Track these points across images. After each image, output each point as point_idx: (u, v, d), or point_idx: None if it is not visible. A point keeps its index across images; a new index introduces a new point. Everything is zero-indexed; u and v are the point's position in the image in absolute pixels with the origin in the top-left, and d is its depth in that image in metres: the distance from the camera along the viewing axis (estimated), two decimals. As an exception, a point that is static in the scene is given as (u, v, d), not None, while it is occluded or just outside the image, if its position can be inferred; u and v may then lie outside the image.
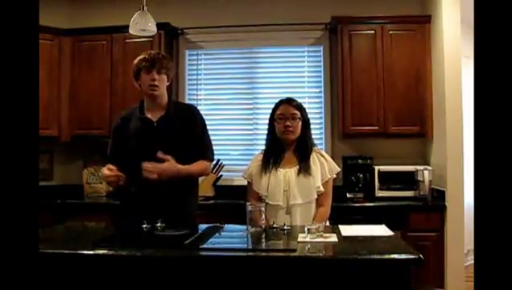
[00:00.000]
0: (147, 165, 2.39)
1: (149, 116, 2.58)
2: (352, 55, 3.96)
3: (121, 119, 2.66)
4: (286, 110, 2.57)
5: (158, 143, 2.51)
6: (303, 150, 2.58)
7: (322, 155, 2.63)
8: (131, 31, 2.94)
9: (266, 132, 2.72)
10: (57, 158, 4.51)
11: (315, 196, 2.52)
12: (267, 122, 2.71)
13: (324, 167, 2.57)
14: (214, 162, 4.08)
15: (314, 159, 2.57)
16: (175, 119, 2.57)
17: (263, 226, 2.20)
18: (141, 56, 2.58)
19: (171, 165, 2.43)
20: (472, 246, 4.00)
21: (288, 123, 2.54)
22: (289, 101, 2.62)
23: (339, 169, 2.67)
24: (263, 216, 2.21)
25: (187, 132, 2.57)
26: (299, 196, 2.48)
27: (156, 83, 2.52)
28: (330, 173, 2.58)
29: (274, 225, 2.28)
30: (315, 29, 4.28)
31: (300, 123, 2.58)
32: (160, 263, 1.84)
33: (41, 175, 4.18)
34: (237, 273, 1.81)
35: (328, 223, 2.57)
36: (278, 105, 2.63)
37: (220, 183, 4.14)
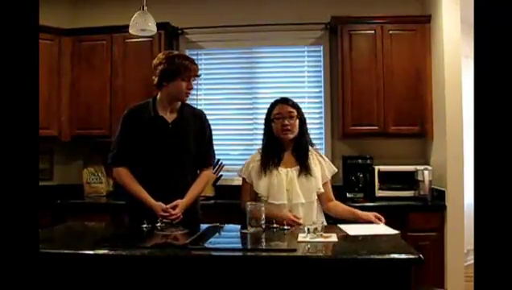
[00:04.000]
0: (165, 220, 2.42)
1: (163, 116, 2.58)
2: (352, 55, 3.96)
3: (130, 114, 2.61)
4: (283, 109, 2.57)
5: (171, 144, 2.54)
6: (301, 149, 2.58)
7: (320, 156, 2.65)
8: (131, 30, 2.94)
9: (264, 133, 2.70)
10: (57, 158, 4.50)
11: (316, 197, 2.54)
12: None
13: (324, 168, 2.59)
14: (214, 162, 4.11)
15: (314, 160, 2.58)
16: (188, 122, 2.60)
17: (263, 226, 2.20)
18: (178, 61, 2.53)
19: (182, 208, 2.48)
20: (472, 246, 4.00)
21: (286, 122, 2.53)
22: (285, 101, 2.61)
23: (336, 170, 2.68)
24: (263, 216, 2.21)
25: (198, 136, 2.62)
26: (301, 196, 2.49)
27: (191, 91, 2.60)
28: (329, 174, 2.61)
29: (274, 225, 2.28)
30: (315, 29, 4.28)
31: (298, 122, 2.57)
32: (160, 262, 1.84)
33: (41, 175, 4.18)
34: (237, 273, 1.81)
35: (325, 223, 2.56)
36: (274, 105, 2.62)
37: (220, 183, 4.14)
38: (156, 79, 2.56)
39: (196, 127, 2.63)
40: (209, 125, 2.72)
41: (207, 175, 2.70)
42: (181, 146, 2.56)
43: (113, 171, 2.64)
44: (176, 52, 2.67)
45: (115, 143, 2.61)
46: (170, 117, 2.58)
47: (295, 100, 2.67)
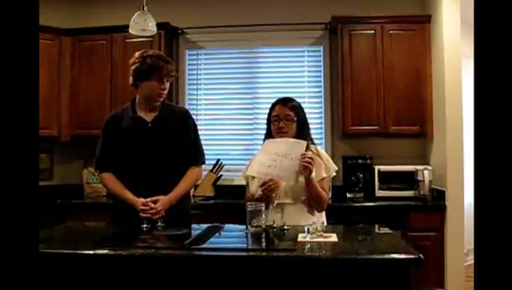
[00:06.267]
0: (144, 215, 2.39)
1: (142, 116, 2.57)
2: (352, 55, 3.96)
3: (112, 118, 2.63)
4: (281, 111, 2.55)
5: (152, 144, 2.52)
6: None
7: (318, 155, 2.56)
8: (131, 30, 2.95)
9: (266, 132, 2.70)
10: (57, 158, 4.51)
11: (304, 198, 2.49)
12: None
13: (320, 166, 2.53)
14: (214, 162, 4.11)
15: None
16: (169, 120, 2.58)
17: (263, 226, 2.20)
18: (150, 61, 2.50)
19: (163, 203, 2.45)
20: (472, 246, 4.00)
21: (282, 124, 2.51)
22: (285, 102, 2.58)
23: (336, 168, 2.61)
24: (263, 215, 2.21)
25: (181, 134, 2.59)
26: (288, 196, 2.47)
27: (165, 92, 2.55)
28: (327, 172, 2.53)
29: (274, 225, 2.28)
30: (315, 29, 4.28)
31: (295, 124, 2.55)
32: (160, 263, 1.84)
33: (41, 175, 4.18)
34: (237, 273, 1.81)
35: (326, 223, 2.55)
36: (274, 105, 2.59)
37: (220, 183, 4.14)
38: (131, 78, 2.55)
39: (178, 126, 2.59)
40: (194, 123, 2.68)
41: (194, 172, 2.63)
42: (162, 145, 2.53)
43: (99, 176, 2.67)
44: (152, 52, 2.62)
45: (98, 150, 2.61)
46: (149, 117, 2.56)
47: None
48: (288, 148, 2.41)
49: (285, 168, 2.39)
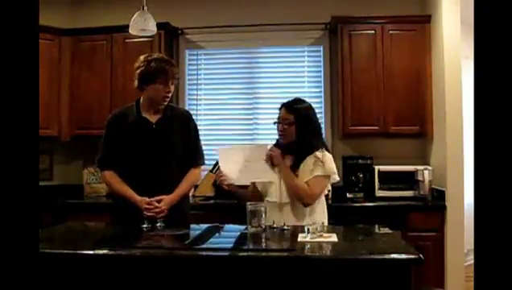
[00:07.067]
0: (148, 214, 2.43)
1: (146, 117, 2.59)
2: (352, 55, 3.96)
3: (115, 117, 2.65)
4: (282, 115, 2.58)
5: (155, 145, 2.55)
6: (297, 152, 2.54)
7: (321, 161, 2.50)
8: (131, 31, 2.94)
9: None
10: (57, 158, 4.51)
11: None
12: (267, 122, 2.71)
13: (317, 165, 2.48)
14: (214, 162, 4.11)
15: (307, 162, 2.51)
16: (172, 123, 2.61)
17: (263, 226, 2.20)
18: (155, 64, 2.53)
19: (166, 202, 2.49)
20: (472, 246, 4.00)
21: (280, 128, 2.56)
22: (287, 105, 2.59)
23: (335, 171, 2.55)
24: (263, 215, 2.21)
25: (183, 136, 2.63)
26: (286, 196, 2.49)
27: (170, 94, 2.58)
28: (322, 172, 2.48)
29: (274, 225, 2.28)
30: (315, 29, 4.28)
31: (294, 127, 2.53)
32: (160, 262, 1.84)
33: (41, 175, 4.18)
34: (236, 273, 1.81)
35: (326, 223, 2.55)
36: (280, 108, 2.64)
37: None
38: (136, 82, 2.57)
39: (181, 128, 2.63)
40: (195, 125, 2.73)
41: (194, 174, 2.70)
42: (166, 146, 2.57)
43: (101, 174, 2.69)
44: (156, 55, 2.65)
45: (101, 148, 2.63)
46: (154, 118, 2.59)
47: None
48: (252, 153, 2.56)
49: (260, 170, 2.51)
